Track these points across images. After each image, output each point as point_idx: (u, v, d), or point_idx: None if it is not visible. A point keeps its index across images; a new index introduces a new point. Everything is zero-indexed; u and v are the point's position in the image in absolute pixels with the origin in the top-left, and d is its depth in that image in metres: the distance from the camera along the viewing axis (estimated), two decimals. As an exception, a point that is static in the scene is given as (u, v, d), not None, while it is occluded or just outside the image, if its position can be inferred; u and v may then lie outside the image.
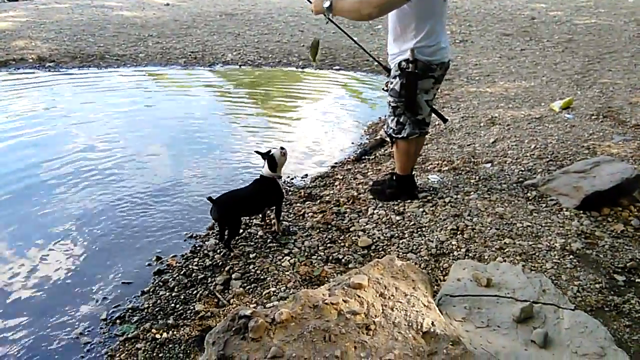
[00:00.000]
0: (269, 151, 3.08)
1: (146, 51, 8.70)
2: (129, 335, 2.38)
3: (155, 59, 8.38)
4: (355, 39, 4.13)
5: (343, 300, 1.92)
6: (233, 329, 1.83)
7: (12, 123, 5.41)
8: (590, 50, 8.25)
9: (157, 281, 2.82)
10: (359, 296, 1.95)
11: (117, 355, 2.28)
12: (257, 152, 3.14)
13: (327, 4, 2.90)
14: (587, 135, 4.42)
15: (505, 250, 2.80)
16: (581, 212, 3.17)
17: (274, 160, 3.04)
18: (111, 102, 6.32)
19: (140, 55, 8.46)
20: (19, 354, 2.35)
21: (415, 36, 2.92)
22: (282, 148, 3.09)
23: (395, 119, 3.22)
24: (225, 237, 3.00)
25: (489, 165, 4.00)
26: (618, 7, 12.28)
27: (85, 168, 4.32)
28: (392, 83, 3.15)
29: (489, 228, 3.03)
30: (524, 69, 7.33)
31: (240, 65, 8.23)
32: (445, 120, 3.50)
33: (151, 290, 2.74)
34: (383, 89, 3.51)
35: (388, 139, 4.08)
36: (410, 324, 1.83)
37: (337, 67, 8.24)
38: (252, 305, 2.44)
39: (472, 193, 3.50)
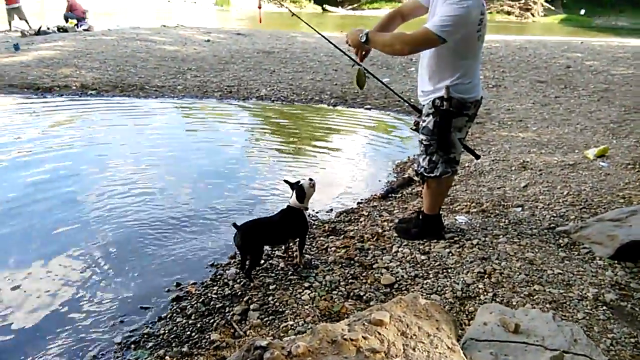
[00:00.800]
0: (298, 182, 3.08)
1: (184, 84, 8.97)
2: (143, 361, 2.35)
3: (192, 91, 8.63)
4: (384, 81, 4.17)
5: (363, 336, 1.85)
6: (248, 359, 1.78)
7: (47, 144, 5.59)
8: (627, 100, 8.11)
9: (174, 307, 2.80)
10: (379, 333, 1.88)
11: (130, 380, 2.25)
12: (286, 182, 3.15)
13: (364, 38, 2.96)
14: (622, 184, 4.28)
15: (535, 297, 2.68)
16: (615, 262, 3.03)
17: (302, 191, 3.04)
18: (145, 130, 6.50)
19: (179, 87, 8.73)
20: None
21: (452, 75, 2.91)
22: (311, 179, 3.09)
23: (428, 157, 3.19)
24: (247, 266, 2.98)
25: (519, 209, 3.90)
26: (656, 59, 12.12)
27: (113, 191, 4.41)
28: (424, 121, 3.14)
29: (517, 273, 2.92)
30: (557, 115, 7.23)
31: (273, 101, 8.39)
32: (477, 157, 3.44)
33: (168, 316, 2.72)
34: (412, 128, 3.50)
35: (418, 178, 4.05)
36: (431, 367, 1.75)
37: (369, 107, 8.30)
38: (268, 338, 2.38)
39: (501, 236, 3.40)
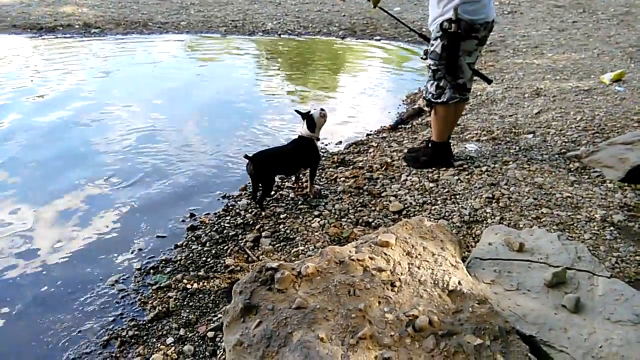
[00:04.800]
0: (309, 111, 3.07)
1: (188, 19, 8.76)
2: (162, 285, 2.47)
3: (196, 27, 8.44)
4: (394, 10, 4.04)
5: (369, 257, 1.92)
6: (260, 280, 1.86)
7: (57, 82, 5.60)
8: (649, 23, 7.76)
9: (190, 236, 2.89)
10: (385, 254, 1.94)
11: (150, 302, 2.37)
12: (297, 112, 3.14)
13: None
14: (638, 108, 4.18)
15: (542, 220, 2.71)
16: (625, 184, 3.03)
17: (312, 121, 3.03)
18: (153, 67, 6.43)
19: (182, 23, 8.53)
20: (56, 298, 2.47)
21: None
22: (322, 109, 3.07)
23: (435, 82, 3.13)
24: (259, 195, 3.03)
25: (530, 135, 3.85)
26: (683, -22, 11.44)
27: (127, 128, 4.46)
28: (432, 45, 3.05)
29: (526, 197, 2.94)
30: (574, 41, 6.97)
31: (279, 35, 8.18)
32: (489, 82, 3.35)
33: (184, 244, 2.82)
34: (422, 57, 3.41)
35: (426, 106, 4.00)
36: (436, 282, 1.81)
37: (378, 38, 8.07)
38: (280, 261, 2.47)
39: (510, 163, 3.39)
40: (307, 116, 3.05)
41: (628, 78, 5.04)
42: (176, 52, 7.34)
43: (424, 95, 3.34)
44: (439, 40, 2.97)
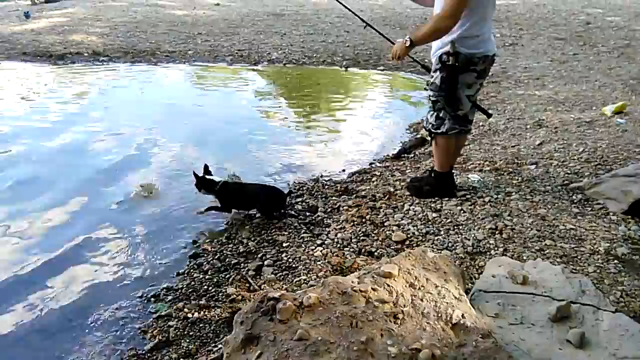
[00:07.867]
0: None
1: (195, 48, 8.93)
2: (162, 313, 2.45)
3: (203, 56, 8.59)
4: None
5: (372, 288, 1.90)
6: (261, 310, 1.84)
7: (64, 109, 5.70)
8: (649, 55, 7.87)
9: (192, 264, 2.89)
10: (388, 285, 1.92)
11: (150, 331, 2.35)
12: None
13: (408, 43, 2.94)
14: (639, 140, 4.22)
15: (546, 252, 2.69)
16: (629, 217, 3.02)
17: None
18: (158, 95, 6.54)
19: (189, 52, 8.69)
20: (55, 325, 2.45)
21: (457, 29, 2.86)
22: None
23: (435, 113, 3.17)
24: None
25: (533, 166, 3.87)
26: (681, 13, 11.66)
27: (129, 154, 4.51)
28: (432, 77, 3.11)
29: (529, 229, 2.93)
30: (576, 73, 7.06)
31: (284, 64, 8.31)
32: (489, 115, 3.39)
33: (186, 272, 2.81)
34: (425, 88, 3.46)
35: (427, 136, 4.03)
36: (439, 315, 1.79)
37: (382, 68, 8.19)
38: (282, 291, 2.45)
39: (513, 194, 3.40)
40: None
41: (629, 110, 5.08)
42: (182, 80, 7.46)
43: (424, 125, 3.38)
44: (438, 72, 3.03)
